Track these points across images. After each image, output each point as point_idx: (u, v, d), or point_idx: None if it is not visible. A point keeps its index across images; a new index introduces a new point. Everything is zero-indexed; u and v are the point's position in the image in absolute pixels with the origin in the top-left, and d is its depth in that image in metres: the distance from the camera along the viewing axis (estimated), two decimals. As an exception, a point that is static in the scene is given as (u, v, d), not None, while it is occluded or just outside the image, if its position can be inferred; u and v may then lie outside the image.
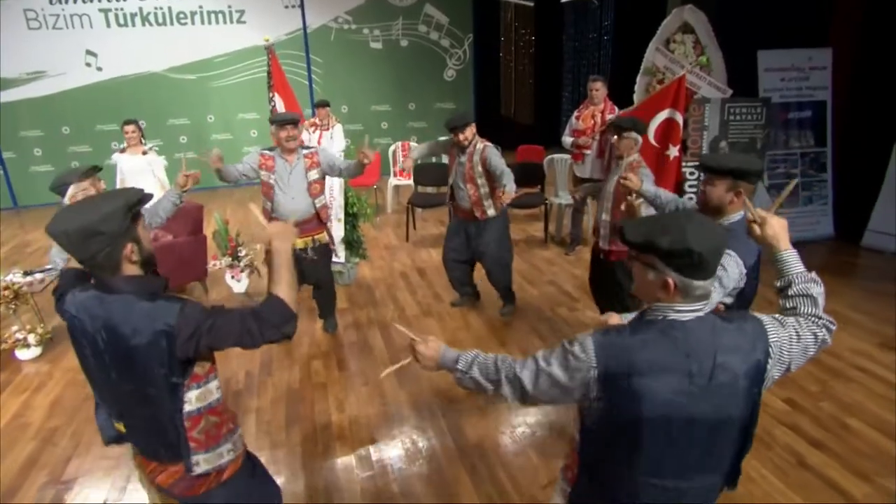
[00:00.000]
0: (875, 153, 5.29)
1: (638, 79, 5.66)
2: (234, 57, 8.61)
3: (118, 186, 5.10)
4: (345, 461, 2.77)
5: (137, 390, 1.40)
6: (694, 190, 4.99)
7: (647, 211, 2.71)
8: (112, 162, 5.15)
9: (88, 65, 8.09)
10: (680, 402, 1.18)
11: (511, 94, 11.85)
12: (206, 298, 4.81)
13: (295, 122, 3.43)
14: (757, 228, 1.49)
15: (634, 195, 2.68)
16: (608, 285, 3.47)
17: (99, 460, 2.81)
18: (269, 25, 8.50)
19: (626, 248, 3.41)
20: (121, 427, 1.54)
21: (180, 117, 8.72)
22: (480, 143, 3.84)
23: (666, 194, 2.66)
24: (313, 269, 3.72)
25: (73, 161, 8.41)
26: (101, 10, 7.92)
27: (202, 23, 8.41)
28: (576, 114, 5.18)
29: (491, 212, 3.91)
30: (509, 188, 3.64)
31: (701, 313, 1.23)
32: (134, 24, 8.13)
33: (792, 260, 1.45)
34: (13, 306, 3.79)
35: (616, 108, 5.06)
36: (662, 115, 4.62)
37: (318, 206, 3.60)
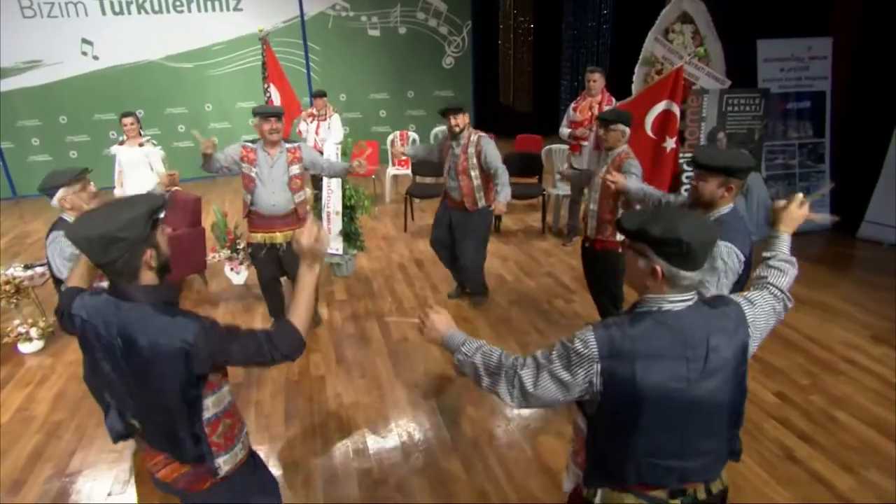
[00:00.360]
0: (873, 144, 5.28)
1: (636, 69, 5.63)
2: (231, 45, 8.56)
3: (116, 178, 5.12)
4: (342, 454, 2.83)
5: (155, 400, 1.43)
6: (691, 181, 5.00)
7: (634, 185, 2.78)
8: (110, 154, 5.15)
9: (85, 53, 8.05)
10: (679, 387, 1.24)
11: (510, 82, 11.78)
12: (206, 290, 4.86)
13: (279, 115, 3.44)
14: (792, 208, 1.65)
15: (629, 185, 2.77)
16: (596, 274, 3.55)
17: (102, 454, 2.87)
18: (265, 13, 8.45)
19: (613, 241, 3.48)
20: (135, 422, 1.56)
21: (178, 106, 8.70)
22: (475, 135, 3.86)
23: (652, 191, 2.68)
24: (293, 263, 3.74)
25: (71, 151, 8.43)
26: (95, -2, 7.87)
27: (198, 10, 8.35)
28: (573, 105, 5.17)
29: (482, 203, 3.94)
30: (503, 196, 3.66)
31: (691, 302, 1.29)
32: (129, 13, 8.07)
33: (785, 241, 1.63)
34: (14, 301, 3.83)
35: (613, 100, 5.04)
36: (660, 107, 4.61)
37: (297, 201, 3.61)
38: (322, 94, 6.30)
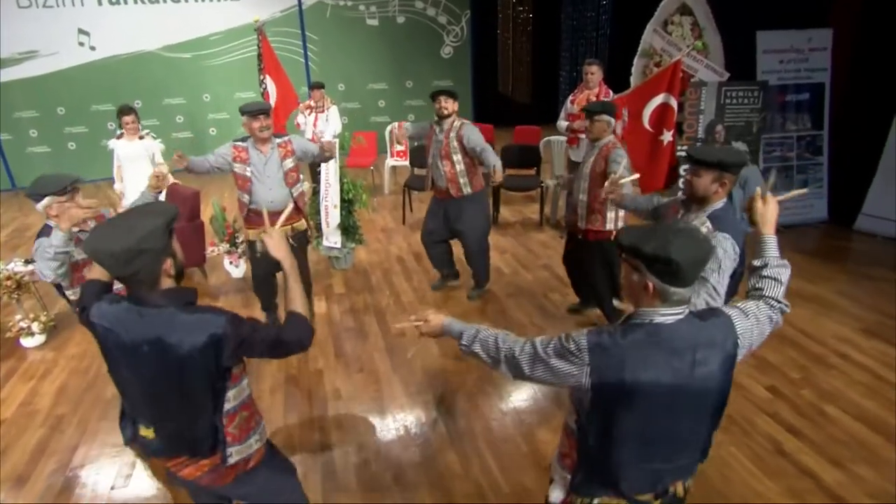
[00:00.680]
0: (871, 136, 5.28)
1: (635, 61, 5.63)
2: (228, 35, 8.52)
3: (115, 173, 5.12)
4: (341, 447, 2.88)
5: (181, 396, 1.47)
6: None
7: (628, 190, 2.83)
8: (109, 147, 5.15)
9: (81, 44, 8.01)
10: (665, 396, 1.30)
11: (509, 72, 11.71)
12: (206, 283, 4.90)
13: (267, 112, 3.39)
14: (760, 205, 1.67)
15: (621, 173, 2.86)
16: (584, 263, 3.61)
17: (105, 448, 2.92)
18: (262, 2, 8.39)
19: (602, 230, 3.54)
20: (149, 433, 1.59)
21: (176, 97, 8.67)
22: (458, 121, 3.93)
23: (645, 199, 2.72)
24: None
25: (69, 142, 8.43)
26: (91, -12, 7.82)
27: (195, 0, 8.28)
28: (571, 98, 5.16)
29: (467, 190, 3.97)
30: (498, 166, 3.72)
31: (681, 316, 1.34)
32: (126, 2, 8.02)
33: (772, 244, 1.64)
34: (16, 296, 3.87)
35: (611, 93, 5.03)
36: (657, 100, 4.61)
37: (295, 194, 3.61)
38: (320, 86, 6.29)
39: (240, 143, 3.49)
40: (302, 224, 3.78)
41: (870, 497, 2.44)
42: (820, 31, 5.47)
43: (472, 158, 3.93)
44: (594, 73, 5.01)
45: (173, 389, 1.47)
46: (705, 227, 2.07)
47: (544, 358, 1.37)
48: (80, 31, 7.96)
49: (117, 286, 1.70)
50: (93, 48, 8.07)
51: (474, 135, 3.84)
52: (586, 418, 1.38)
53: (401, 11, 9.08)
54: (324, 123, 6.27)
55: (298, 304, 1.60)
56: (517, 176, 6.24)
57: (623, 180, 2.78)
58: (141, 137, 4.92)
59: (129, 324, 1.43)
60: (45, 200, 2.29)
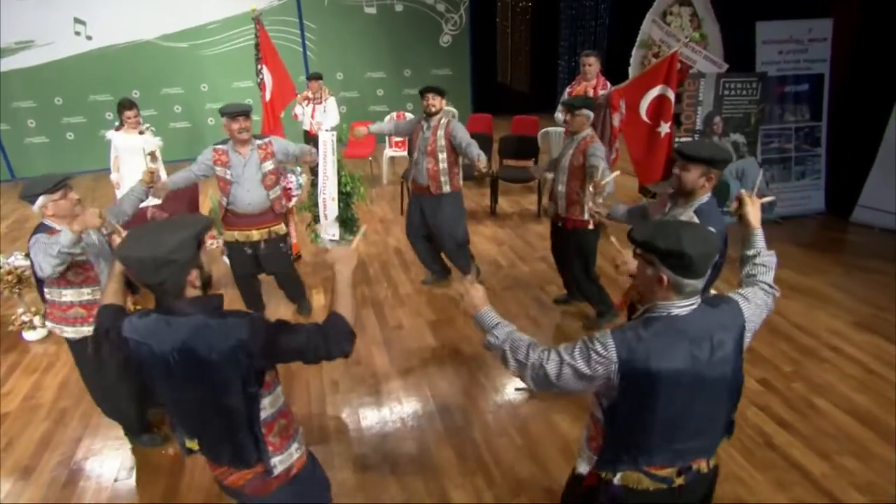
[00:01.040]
0: (870, 128, 5.27)
1: (633, 51, 5.60)
2: (225, 24, 8.46)
3: (112, 163, 5.13)
4: (338, 440, 2.94)
5: (216, 404, 1.49)
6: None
7: (611, 188, 2.91)
8: (107, 138, 5.15)
9: (77, 33, 7.97)
10: (688, 381, 1.40)
11: (508, 61, 11.65)
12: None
13: (247, 114, 3.36)
14: (749, 206, 1.81)
15: (599, 175, 2.94)
16: (565, 250, 3.72)
17: (108, 440, 2.98)
18: (260, -10, 8.30)
19: (581, 220, 3.65)
20: (193, 445, 1.63)
21: (174, 87, 8.64)
22: (445, 119, 3.96)
23: (630, 207, 2.83)
24: (271, 260, 3.78)
25: (68, 132, 8.42)
26: (87, -24, 7.75)
27: (191, -12, 8.22)
28: (568, 89, 5.15)
29: (446, 188, 4.02)
30: (482, 157, 3.77)
31: (695, 306, 1.44)
32: (121, -9, 7.95)
33: (761, 236, 1.79)
34: (17, 290, 3.91)
35: (609, 84, 5.01)
36: (654, 92, 4.62)
37: (272, 197, 3.59)
38: (317, 77, 6.27)
39: (220, 147, 3.46)
40: (281, 227, 3.76)
41: (855, 489, 2.49)
42: (820, 21, 5.44)
43: (455, 158, 3.99)
44: (592, 64, 4.99)
45: (208, 398, 1.48)
46: (692, 220, 2.18)
47: (571, 363, 1.43)
48: (77, 21, 7.91)
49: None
50: (89, 38, 8.03)
51: (460, 131, 3.91)
52: (613, 409, 1.47)
53: (399, -1, 9.02)
54: (321, 114, 6.26)
55: (344, 308, 1.52)
56: (515, 167, 6.24)
57: (604, 181, 2.87)
58: (141, 132, 4.93)
59: (159, 334, 1.46)
60: (41, 200, 2.30)
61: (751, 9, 5.48)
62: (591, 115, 3.42)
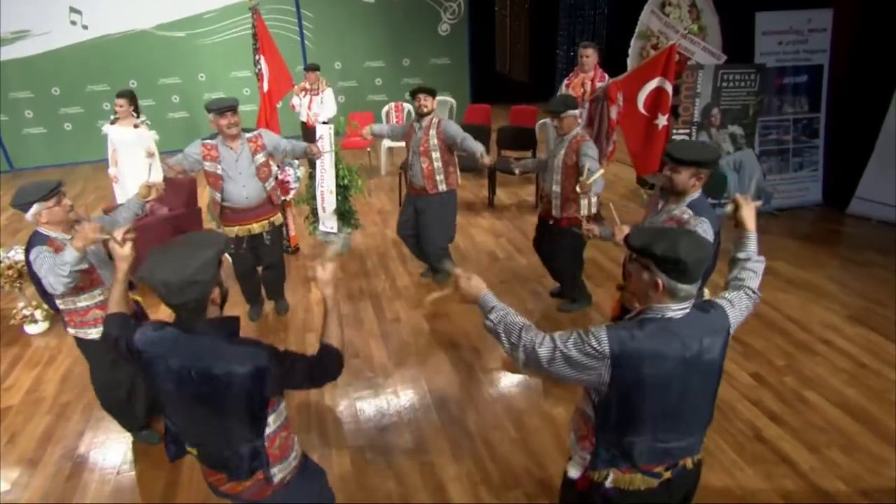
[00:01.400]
0: (869, 119, 5.26)
1: (632, 42, 5.57)
2: (223, 13, 8.41)
3: (110, 157, 5.14)
4: (335, 433, 2.99)
5: (225, 421, 1.54)
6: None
7: (599, 187, 3.03)
8: (103, 132, 5.15)
9: (73, 23, 7.92)
10: (677, 381, 1.45)
11: (506, 50, 11.57)
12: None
13: (234, 109, 3.33)
14: (744, 208, 1.85)
15: (586, 175, 3.02)
16: (560, 247, 3.76)
17: (110, 433, 3.03)
18: (256, -21, 8.22)
19: (576, 216, 3.70)
20: (193, 451, 1.67)
21: (171, 76, 8.60)
22: (436, 118, 3.98)
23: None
24: (269, 252, 3.81)
25: (65, 123, 8.40)
26: (82, -35, 7.69)
27: (188, -24, 8.15)
28: (566, 82, 5.14)
29: (442, 187, 4.05)
30: (483, 150, 3.78)
31: (688, 310, 1.48)
32: (117, -20, 7.89)
33: (753, 239, 1.83)
34: (18, 284, 3.94)
35: (607, 76, 4.99)
36: (652, 84, 4.61)
37: (268, 188, 3.59)
38: (314, 68, 6.24)
39: (209, 141, 3.43)
40: (279, 218, 3.79)
41: (842, 482, 2.54)
42: (820, 12, 5.40)
43: (450, 156, 4.00)
44: (589, 55, 4.97)
45: (216, 415, 1.53)
46: (686, 214, 2.29)
47: (564, 351, 1.46)
48: (72, 10, 7.85)
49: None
50: (85, 27, 7.98)
51: (452, 128, 3.93)
52: (604, 406, 1.51)
53: (397, -13, 8.93)
54: (318, 105, 6.25)
55: (334, 338, 1.65)
56: (513, 158, 6.23)
57: (591, 179, 2.94)
58: (136, 126, 4.92)
59: (176, 350, 1.50)
60: (34, 208, 2.28)
61: (750, -1, 5.44)
62: (577, 112, 3.47)
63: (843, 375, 3.26)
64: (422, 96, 3.92)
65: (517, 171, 4.07)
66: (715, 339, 1.49)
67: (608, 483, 1.58)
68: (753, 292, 1.71)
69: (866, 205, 5.34)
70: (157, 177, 4.42)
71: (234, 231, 3.66)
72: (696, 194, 2.32)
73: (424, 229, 4.25)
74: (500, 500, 2.55)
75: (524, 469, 2.71)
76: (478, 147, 3.80)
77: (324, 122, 5.18)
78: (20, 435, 3.05)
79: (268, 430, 1.61)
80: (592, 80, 4.98)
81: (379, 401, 3.23)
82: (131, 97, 4.99)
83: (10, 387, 3.45)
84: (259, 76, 5.70)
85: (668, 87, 4.55)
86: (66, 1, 7.78)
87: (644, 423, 1.48)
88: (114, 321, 1.67)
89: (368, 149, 7.54)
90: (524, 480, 2.65)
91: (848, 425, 2.88)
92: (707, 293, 2.41)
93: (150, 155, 4.76)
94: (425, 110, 3.93)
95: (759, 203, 1.93)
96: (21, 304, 3.96)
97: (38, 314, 3.94)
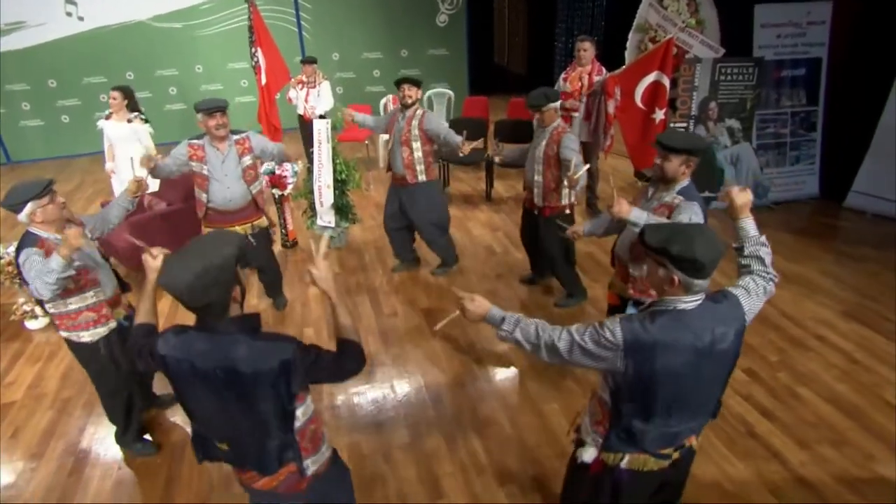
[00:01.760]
0: (867, 113, 5.25)
1: (630, 35, 5.55)
2: (219, 4, 8.35)
3: (106, 152, 5.13)
4: (332, 427, 3.02)
5: (254, 417, 1.56)
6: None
7: (584, 182, 3.10)
8: (98, 127, 5.14)
9: (69, 14, 7.86)
10: (689, 370, 1.51)
11: (504, 42, 11.50)
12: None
13: (223, 109, 3.31)
14: (737, 196, 1.87)
15: (573, 170, 3.06)
16: (545, 237, 3.80)
17: (111, 429, 3.05)
18: (253, -31, 8.15)
19: (559, 205, 3.78)
20: (223, 446, 1.68)
21: (168, 68, 8.56)
22: (420, 110, 4.03)
23: (596, 220, 2.93)
24: (255, 254, 3.77)
25: (62, 115, 8.37)
26: (76, -45, 7.62)
27: (183, -33, 8.08)
28: (563, 76, 5.13)
29: (422, 177, 4.08)
30: (460, 141, 3.83)
31: (700, 301, 1.54)
32: (112, -29, 7.82)
33: (749, 226, 1.85)
34: (17, 280, 3.95)
35: (603, 70, 4.99)
36: (649, 78, 4.62)
37: (254, 192, 3.57)
38: (311, 61, 6.22)
39: (195, 142, 3.41)
40: (263, 221, 3.76)
41: (831, 477, 2.59)
42: (819, 4, 5.37)
43: (430, 147, 4.04)
44: (587, 49, 4.96)
45: (245, 412, 1.55)
46: (678, 199, 2.37)
47: (582, 344, 1.55)
48: (67, 1, 7.79)
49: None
50: (81, 18, 7.92)
51: (433, 122, 3.97)
52: (619, 393, 1.59)
53: (395, -23, 8.86)
54: (315, 98, 6.24)
55: (350, 332, 1.65)
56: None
57: (577, 175, 2.99)
58: (129, 121, 4.91)
59: (200, 351, 1.49)
60: (28, 207, 2.26)
61: (749, -8, 5.40)
62: (558, 103, 3.53)
63: (835, 371, 3.29)
64: (406, 86, 3.93)
65: (497, 161, 4.11)
66: (728, 328, 1.53)
67: (623, 465, 1.68)
68: (766, 272, 1.75)
69: (863, 198, 5.35)
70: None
71: (243, 229, 3.62)
72: (685, 182, 2.39)
73: (420, 228, 4.29)
74: (495, 494, 2.59)
75: (519, 464, 2.75)
76: (457, 139, 3.88)
77: (321, 116, 5.18)
78: (23, 430, 3.10)
79: (297, 424, 1.63)
80: (590, 74, 4.98)
81: (374, 395, 3.27)
82: (127, 92, 4.97)
83: (12, 382, 3.49)
84: (256, 69, 5.69)
85: (666, 82, 4.56)
86: (62, -9, 7.72)
87: (657, 410, 1.56)
88: (140, 331, 1.69)
89: (367, 141, 7.53)
90: (519, 476, 2.69)
91: (839, 421, 2.92)
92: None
93: (149, 157, 4.75)
94: (409, 101, 3.94)
95: (750, 196, 1.94)
96: (21, 300, 3.98)
97: (39, 310, 3.97)
